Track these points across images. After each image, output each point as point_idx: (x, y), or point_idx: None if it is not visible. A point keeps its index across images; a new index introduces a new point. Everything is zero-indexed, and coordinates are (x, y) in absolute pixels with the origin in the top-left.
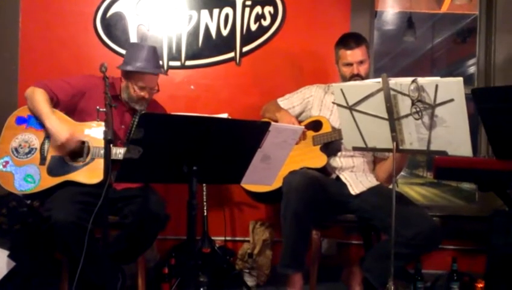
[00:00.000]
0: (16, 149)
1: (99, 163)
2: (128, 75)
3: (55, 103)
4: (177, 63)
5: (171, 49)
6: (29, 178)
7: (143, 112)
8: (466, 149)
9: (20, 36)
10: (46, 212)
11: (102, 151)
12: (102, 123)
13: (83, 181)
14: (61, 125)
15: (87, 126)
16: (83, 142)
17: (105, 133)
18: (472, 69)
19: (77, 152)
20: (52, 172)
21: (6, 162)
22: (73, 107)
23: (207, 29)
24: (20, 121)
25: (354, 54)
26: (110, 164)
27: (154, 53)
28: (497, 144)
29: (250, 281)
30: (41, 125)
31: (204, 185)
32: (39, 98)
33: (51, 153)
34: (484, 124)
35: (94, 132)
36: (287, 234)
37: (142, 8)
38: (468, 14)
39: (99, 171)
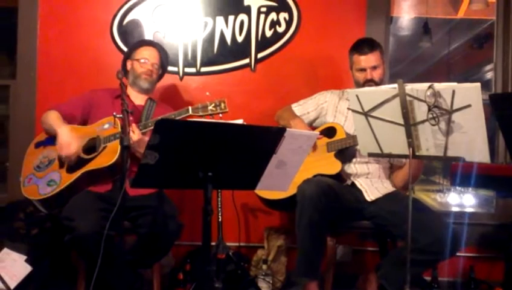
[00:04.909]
0: (38, 166)
1: (112, 146)
2: (131, 57)
3: (69, 120)
4: (193, 70)
5: (187, 55)
6: (51, 182)
7: (158, 119)
8: (483, 155)
9: (38, 43)
10: (67, 222)
11: (112, 137)
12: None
13: (99, 166)
14: (71, 138)
15: (96, 125)
16: (94, 138)
17: (121, 138)
18: (489, 75)
19: (91, 147)
20: (71, 170)
21: (30, 179)
22: (87, 118)
23: (222, 35)
24: (38, 145)
25: (368, 59)
26: (127, 170)
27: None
28: None
29: (264, 287)
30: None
31: (219, 190)
32: (52, 116)
33: None
34: (502, 129)
35: (103, 127)
36: (302, 242)
37: (158, 15)
38: (485, 20)
39: (113, 153)
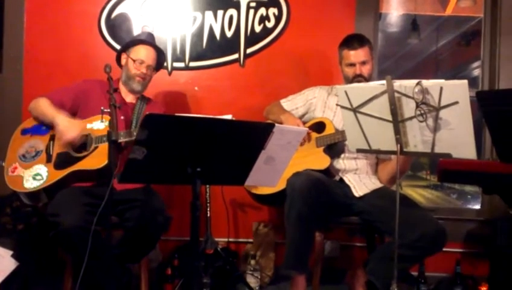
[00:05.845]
0: (23, 155)
1: (103, 148)
2: (127, 51)
3: (59, 108)
4: (181, 64)
5: (175, 50)
6: (37, 176)
7: (147, 114)
8: (470, 152)
9: (25, 36)
10: (52, 218)
11: (105, 138)
12: (102, 116)
13: (89, 167)
14: (70, 123)
15: (88, 121)
16: (86, 135)
17: (109, 133)
18: (476, 72)
19: (81, 145)
20: (58, 166)
21: (15, 168)
22: (77, 109)
23: (211, 30)
24: (25, 132)
25: (357, 55)
26: (114, 165)
27: (152, 36)
28: (501, 146)
29: (252, 282)
30: (46, 130)
31: (207, 186)
32: (43, 103)
33: (56, 151)
34: (489, 126)
35: (95, 125)
36: (291, 235)
37: (147, 9)
38: (472, 17)
39: (104, 155)
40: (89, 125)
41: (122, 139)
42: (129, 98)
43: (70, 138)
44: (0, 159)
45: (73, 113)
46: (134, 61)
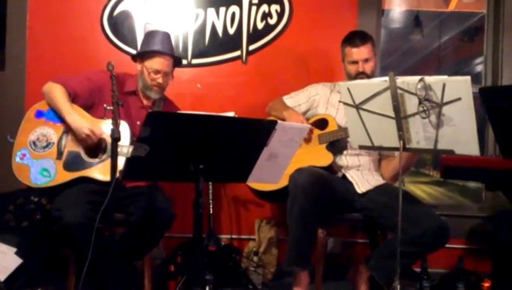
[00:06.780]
0: (34, 142)
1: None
2: (143, 59)
3: (73, 98)
4: (184, 62)
5: (178, 47)
6: (45, 172)
7: (149, 111)
8: (473, 148)
9: (28, 34)
10: (56, 212)
11: (119, 149)
12: (104, 113)
13: (97, 178)
14: (81, 120)
15: (104, 123)
16: (100, 140)
17: (112, 131)
18: (479, 68)
19: (94, 149)
20: (68, 167)
21: (24, 155)
22: (91, 103)
23: (213, 27)
24: (40, 114)
25: (360, 52)
26: (117, 162)
27: (168, 38)
28: (504, 143)
29: (255, 279)
30: (60, 119)
31: (210, 183)
32: (57, 94)
33: (68, 148)
34: (491, 123)
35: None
36: (293, 231)
37: (149, 7)
38: (475, 13)
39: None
40: (104, 127)
41: None
42: (146, 100)
43: (87, 132)
44: (2, 160)
45: (88, 106)
46: (149, 72)
